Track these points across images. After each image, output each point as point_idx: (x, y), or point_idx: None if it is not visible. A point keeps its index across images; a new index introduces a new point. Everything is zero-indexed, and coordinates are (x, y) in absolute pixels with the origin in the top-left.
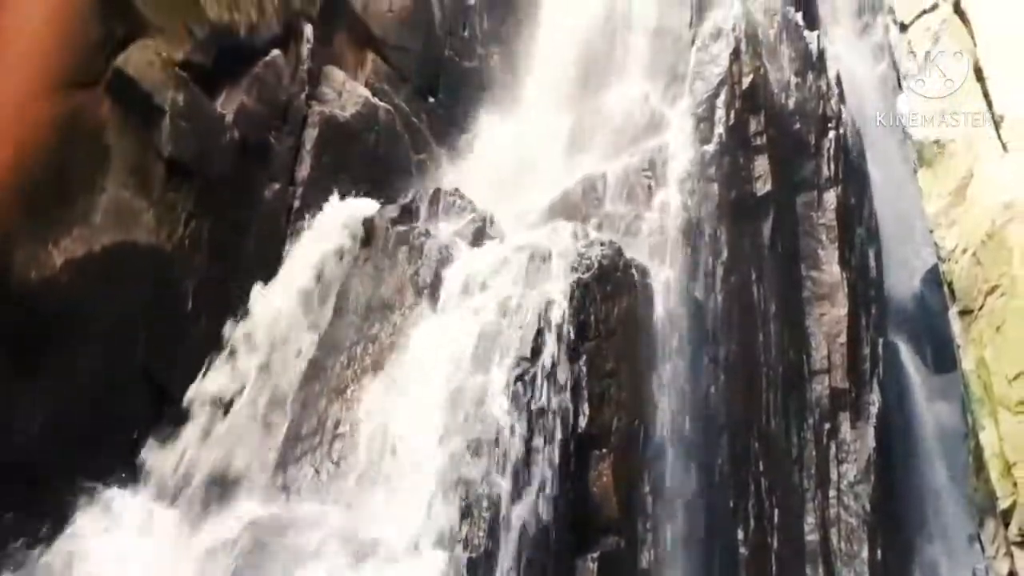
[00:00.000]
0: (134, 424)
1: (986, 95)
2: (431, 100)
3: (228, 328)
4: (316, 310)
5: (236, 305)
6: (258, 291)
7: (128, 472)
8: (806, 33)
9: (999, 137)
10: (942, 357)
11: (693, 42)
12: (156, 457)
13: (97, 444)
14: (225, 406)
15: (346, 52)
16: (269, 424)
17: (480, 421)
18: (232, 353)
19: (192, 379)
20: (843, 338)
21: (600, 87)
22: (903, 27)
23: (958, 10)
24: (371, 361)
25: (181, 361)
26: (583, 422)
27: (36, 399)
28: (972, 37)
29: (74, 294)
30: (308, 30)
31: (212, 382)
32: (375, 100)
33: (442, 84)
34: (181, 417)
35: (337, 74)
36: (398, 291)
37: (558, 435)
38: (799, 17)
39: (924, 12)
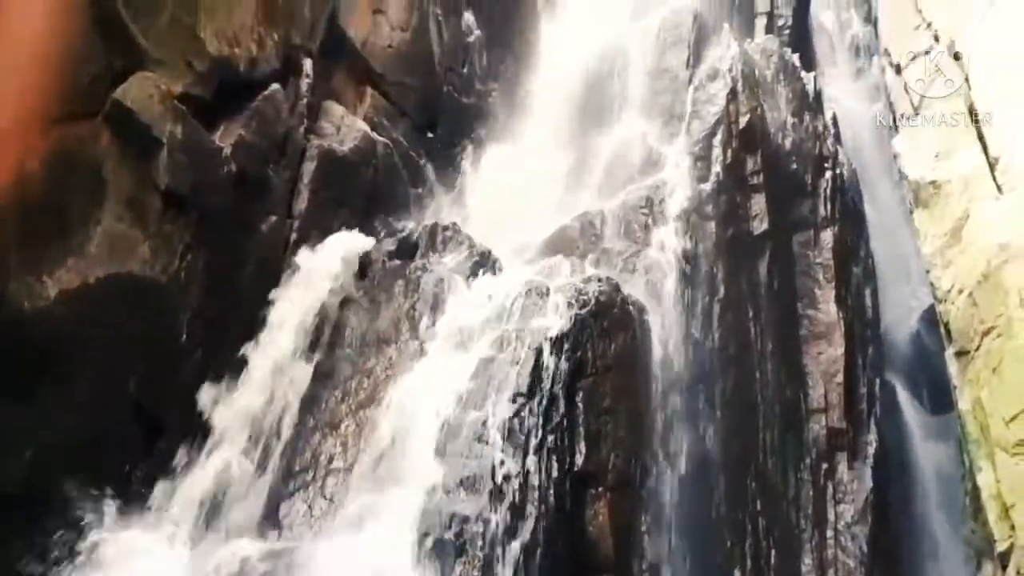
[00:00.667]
0: (126, 456)
1: (981, 137)
2: (430, 135)
3: (222, 361)
4: (311, 343)
5: (231, 338)
6: (254, 324)
7: (119, 504)
8: (803, 74)
9: (994, 179)
10: (939, 398)
11: (691, 82)
12: (147, 490)
13: (88, 476)
14: (218, 439)
15: (345, 87)
16: (262, 458)
17: (476, 457)
18: (226, 386)
19: (186, 412)
20: (840, 377)
21: (598, 125)
22: (899, 69)
23: (953, 52)
24: (366, 396)
25: (174, 394)
26: (579, 460)
27: (27, 430)
28: (967, 80)
29: (68, 325)
30: (308, 65)
31: (205, 415)
32: (374, 135)
33: (441, 119)
34: (173, 450)
35: (336, 108)
36: (394, 325)
37: (554, 473)
38: (796, 58)
39: (919, 54)
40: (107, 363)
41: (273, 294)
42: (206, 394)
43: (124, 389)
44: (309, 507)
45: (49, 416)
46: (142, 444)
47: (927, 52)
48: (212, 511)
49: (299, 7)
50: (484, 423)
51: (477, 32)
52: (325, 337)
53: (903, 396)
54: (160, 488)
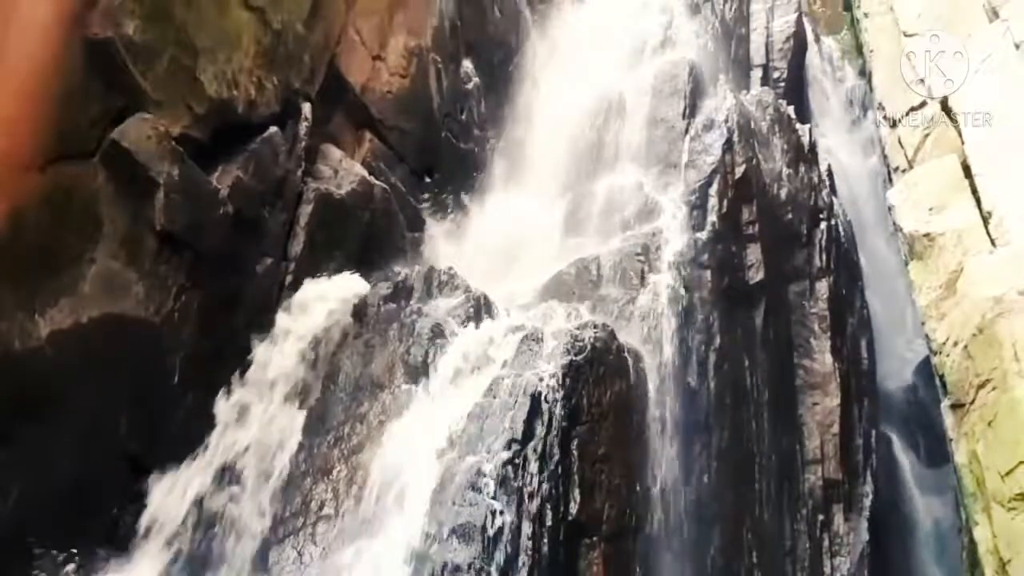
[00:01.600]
0: (113, 501)
1: (974, 191)
2: (427, 180)
3: (214, 404)
4: (304, 387)
5: (224, 380)
6: (247, 367)
7: (105, 550)
8: (798, 126)
9: (988, 233)
10: (935, 450)
11: (687, 132)
12: (135, 535)
13: (73, 520)
14: (209, 485)
15: (344, 131)
16: (253, 504)
17: (469, 505)
18: (218, 429)
19: (176, 455)
20: (836, 428)
21: (594, 173)
22: (893, 123)
23: (946, 108)
24: (358, 441)
25: (165, 437)
26: (574, 509)
27: (12, 472)
28: (960, 134)
29: (59, 365)
30: (307, 109)
31: (195, 458)
32: (371, 179)
33: (439, 165)
34: (163, 494)
35: (334, 152)
36: (388, 370)
37: (548, 522)
38: (791, 110)
39: (913, 109)
40: (97, 404)
41: (267, 336)
42: (197, 436)
43: (114, 431)
44: (299, 554)
45: (35, 458)
46: (130, 488)
47: (921, 106)
48: (200, 557)
49: (299, 52)
50: (478, 470)
51: (476, 79)
52: (318, 381)
53: (899, 448)
54: (147, 532)
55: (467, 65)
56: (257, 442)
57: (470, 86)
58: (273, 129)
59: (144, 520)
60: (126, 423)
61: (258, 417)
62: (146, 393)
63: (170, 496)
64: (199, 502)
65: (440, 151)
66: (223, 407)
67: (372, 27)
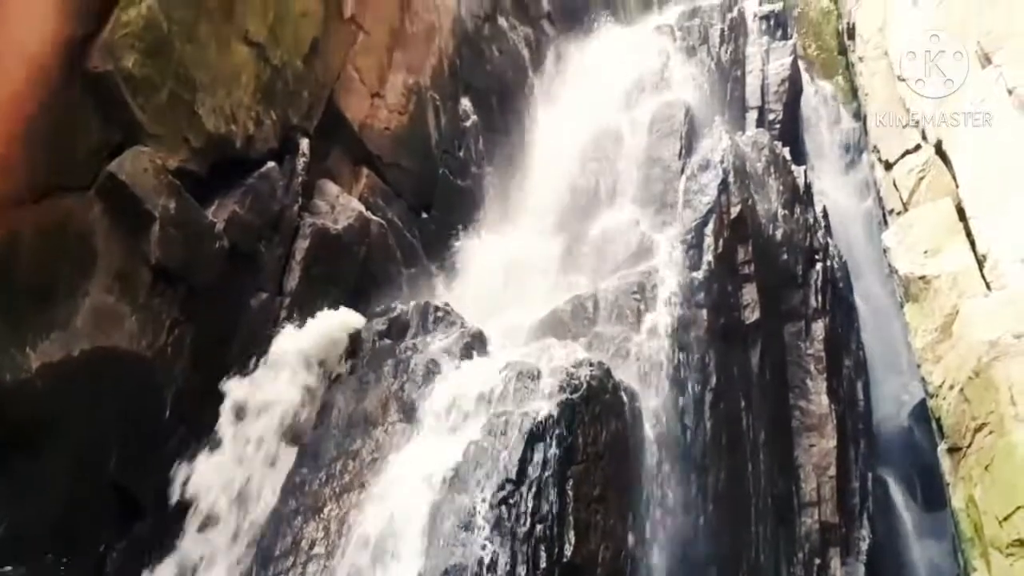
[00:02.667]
0: (101, 536)
1: (969, 234)
2: (424, 216)
3: (206, 438)
4: (296, 423)
5: (215, 415)
6: (239, 400)
7: None
8: (793, 167)
9: (983, 276)
10: (932, 494)
11: (682, 172)
12: (123, 572)
13: (61, 555)
14: (198, 519)
15: (341, 166)
16: (242, 541)
17: (462, 545)
18: (208, 465)
19: (165, 490)
20: (832, 471)
21: (591, 211)
22: (888, 166)
23: (940, 152)
24: (350, 479)
25: (155, 472)
26: (568, 550)
27: None
28: (954, 178)
29: (49, 398)
30: (304, 144)
31: (185, 494)
32: (368, 214)
33: (436, 201)
34: (151, 530)
35: (331, 187)
36: (382, 406)
37: (542, 563)
38: (786, 152)
39: (908, 152)
40: (87, 439)
41: (260, 372)
42: (187, 473)
43: (103, 466)
44: None
45: (23, 493)
46: (118, 524)
47: (916, 150)
48: None
49: (298, 88)
50: (471, 510)
51: (474, 117)
52: (311, 417)
53: (896, 492)
54: (135, 570)
55: (465, 103)
56: (247, 478)
57: (468, 124)
58: (271, 164)
59: (135, 555)
60: (116, 457)
61: (249, 453)
62: (137, 427)
63: (160, 532)
64: (190, 536)
65: (437, 187)
66: (214, 443)
67: (371, 65)
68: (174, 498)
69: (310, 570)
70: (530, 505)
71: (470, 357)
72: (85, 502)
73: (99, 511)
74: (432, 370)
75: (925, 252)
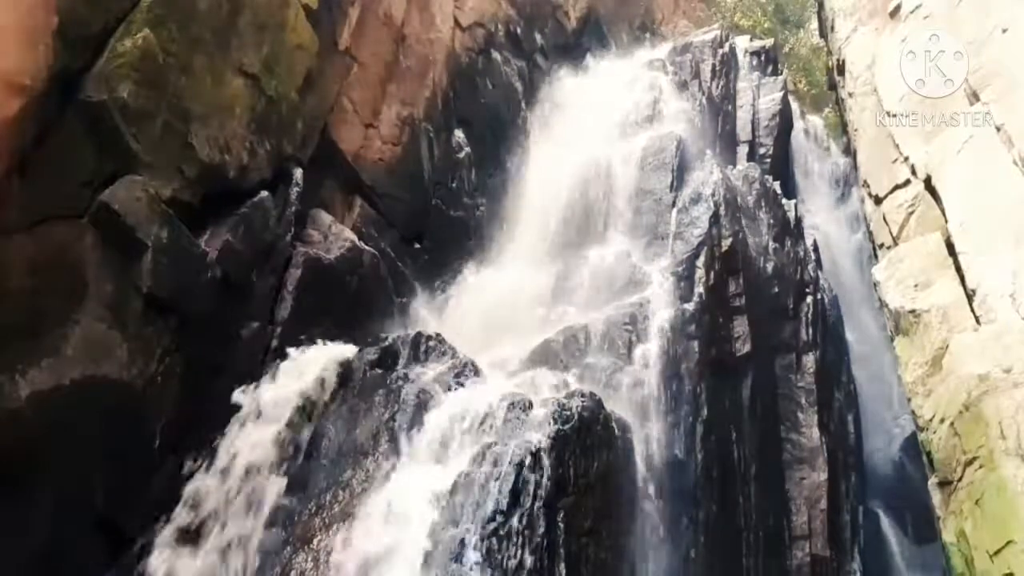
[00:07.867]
0: (88, 569)
1: (958, 269)
2: (417, 246)
3: (195, 469)
4: (287, 453)
5: (205, 445)
6: (229, 430)
7: None
8: (783, 201)
9: (972, 310)
10: (923, 527)
11: (674, 204)
12: None
13: None
14: (187, 550)
15: (334, 196)
16: (231, 572)
17: None
18: (198, 494)
19: (154, 521)
20: (823, 504)
21: (583, 242)
22: (878, 200)
23: (929, 187)
24: (340, 509)
25: (143, 502)
26: None
27: None
28: (943, 213)
29: (38, 428)
30: (298, 174)
31: (175, 525)
32: (361, 244)
33: (428, 232)
34: (140, 561)
35: (324, 217)
36: (372, 436)
37: None
38: (777, 185)
39: (897, 187)
40: (75, 468)
41: (251, 401)
42: (175, 503)
43: (91, 496)
44: None
45: (10, 521)
46: (106, 554)
47: (905, 184)
48: None
49: (292, 119)
50: (461, 542)
51: (467, 149)
52: (302, 447)
53: (887, 525)
54: None
55: (459, 135)
56: (237, 510)
57: (461, 155)
58: (264, 194)
59: None
60: (103, 486)
61: (239, 482)
62: (126, 456)
63: (149, 564)
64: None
65: (430, 218)
66: (204, 472)
67: (366, 97)
68: (162, 529)
69: None
70: (521, 537)
71: (462, 387)
72: (72, 535)
73: (86, 543)
74: (423, 400)
75: (915, 286)
